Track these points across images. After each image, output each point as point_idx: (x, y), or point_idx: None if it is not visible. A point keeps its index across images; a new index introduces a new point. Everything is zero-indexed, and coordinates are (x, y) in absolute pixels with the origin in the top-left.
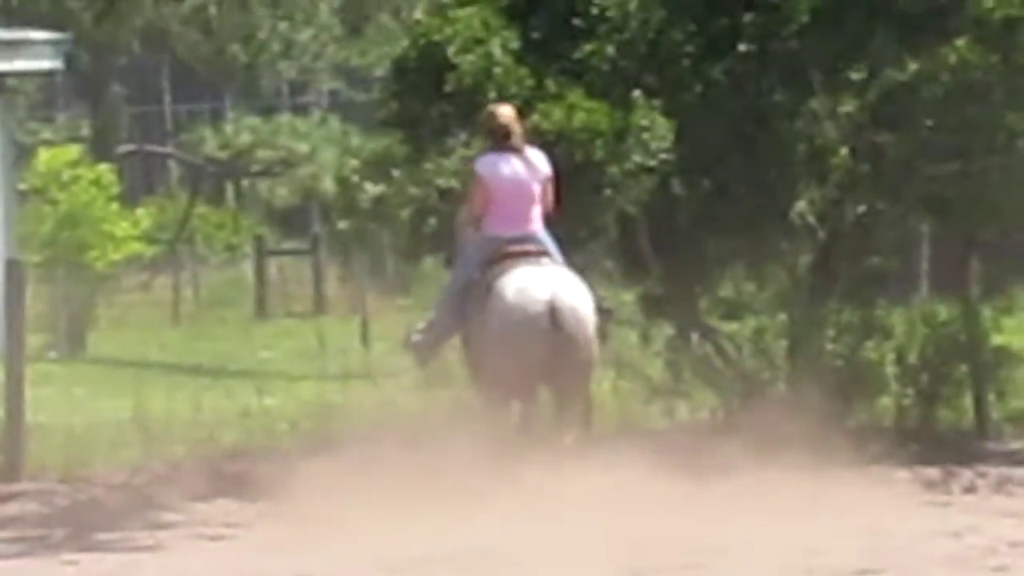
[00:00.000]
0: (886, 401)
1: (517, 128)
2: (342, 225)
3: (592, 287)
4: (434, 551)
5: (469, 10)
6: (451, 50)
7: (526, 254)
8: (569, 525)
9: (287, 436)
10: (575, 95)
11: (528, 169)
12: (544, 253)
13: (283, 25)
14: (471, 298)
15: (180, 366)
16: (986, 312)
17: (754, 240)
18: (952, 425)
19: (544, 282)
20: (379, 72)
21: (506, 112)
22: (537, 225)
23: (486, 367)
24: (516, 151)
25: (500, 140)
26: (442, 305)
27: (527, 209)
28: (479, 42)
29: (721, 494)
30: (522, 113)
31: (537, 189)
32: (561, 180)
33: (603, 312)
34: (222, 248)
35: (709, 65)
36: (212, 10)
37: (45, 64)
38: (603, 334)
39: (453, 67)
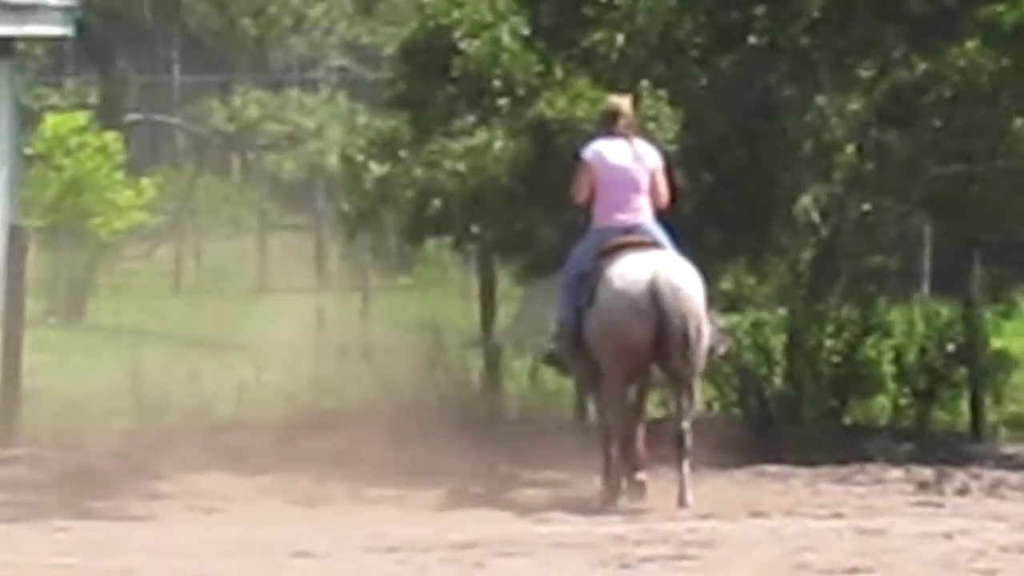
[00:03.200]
0: (882, 400)
1: (627, 114)
2: (346, 207)
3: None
4: (427, 536)
5: None
6: (457, 34)
7: (638, 244)
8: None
9: (283, 411)
10: (582, 83)
11: (635, 157)
12: (655, 244)
13: (295, 0)
14: (583, 290)
15: (179, 337)
16: (986, 315)
17: (756, 234)
18: (947, 426)
19: (646, 264)
20: (389, 51)
21: (618, 99)
22: (646, 215)
23: (601, 358)
24: (624, 138)
25: (608, 124)
26: (562, 304)
27: (633, 197)
28: (487, 27)
29: (714, 487)
30: (635, 103)
31: (644, 178)
32: (564, 170)
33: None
34: (226, 220)
35: (718, 57)
36: None
37: (55, 30)
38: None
39: (460, 51)
